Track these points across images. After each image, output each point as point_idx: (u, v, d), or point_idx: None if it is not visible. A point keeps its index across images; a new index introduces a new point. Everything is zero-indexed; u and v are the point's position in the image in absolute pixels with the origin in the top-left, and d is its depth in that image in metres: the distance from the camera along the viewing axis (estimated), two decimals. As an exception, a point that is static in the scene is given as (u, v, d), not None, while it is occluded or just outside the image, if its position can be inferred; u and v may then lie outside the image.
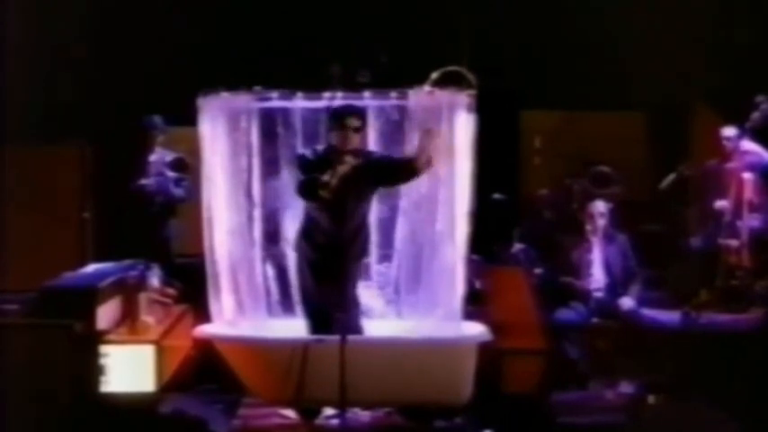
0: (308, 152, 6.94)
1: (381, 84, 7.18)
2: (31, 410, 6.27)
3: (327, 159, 6.77)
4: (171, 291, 7.95)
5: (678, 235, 9.86)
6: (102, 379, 6.53)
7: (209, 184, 7.13)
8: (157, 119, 9.35)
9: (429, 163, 6.78)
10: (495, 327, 7.04)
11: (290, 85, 7.12)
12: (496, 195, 9.85)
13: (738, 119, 9.09)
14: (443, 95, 7.01)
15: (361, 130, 6.89)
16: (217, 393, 7.44)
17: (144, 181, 9.33)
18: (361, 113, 6.93)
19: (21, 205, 9.40)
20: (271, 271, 7.24)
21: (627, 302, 8.05)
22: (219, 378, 7.18)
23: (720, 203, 9.17)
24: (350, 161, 6.70)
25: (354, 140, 6.83)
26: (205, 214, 7.13)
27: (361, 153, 6.87)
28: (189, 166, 9.02)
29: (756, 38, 10.27)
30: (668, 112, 10.74)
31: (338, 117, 6.87)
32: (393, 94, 7.05)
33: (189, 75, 9.26)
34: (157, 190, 9.35)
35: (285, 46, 10.62)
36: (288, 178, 7.22)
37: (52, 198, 9.99)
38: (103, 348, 6.58)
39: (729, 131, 9.17)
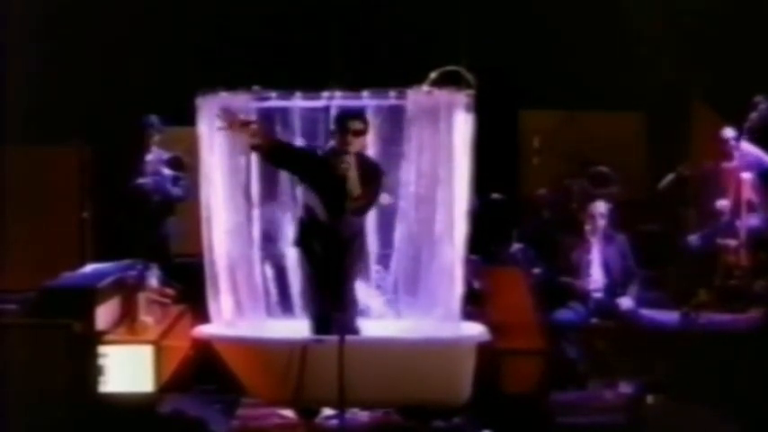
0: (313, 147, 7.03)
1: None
2: (31, 410, 6.27)
3: (328, 159, 6.81)
4: (169, 291, 7.95)
5: (677, 235, 9.85)
6: (101, 379, 6.54)
7: (208, 184, 7.13)
8: (154, 118, 9.34)
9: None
10: (493, 327, 7.05)
11: (288, 85, 7.13)
12: (495, 195, 9.85)
13: (737, 119, 9.09)
14: (442, 95, 7.02)
15: (363, 133, 6.89)
16: (215, 393, 7.43)
17: (141, 180, 9.33)
18: (363, 117, 6.94)
19: (20, 205, 9.39)
20: (269, 271, 7.24)
21: (626, 302, 8.05)
22: (218, 378, 7.18)
23: (722, 203, 9.17)
24: (349, 163, 6.73)
25: (356, 144, 6.84)
26: (204, 214, 7.14)
27: (362, 157, 6.89)
28: (186, 165, 9.01)
29: (756, 38, 10.26)
30: (667, 113, 10.73)
31: (340, 120, 6.89)
32: (392, 93, 7.07)
33: (187, 75, 9.26)
34: (155, 189, 9.34)
35: (284, 46, 10.61)
36: (286, 178, 7.25)
37: (51, 198, 9.97)
38: (102, 348, 6.59)
39: (728, 132, 9.17)
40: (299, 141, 7.20)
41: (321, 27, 10.72)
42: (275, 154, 6.89)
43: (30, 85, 9.43)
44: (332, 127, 6.96)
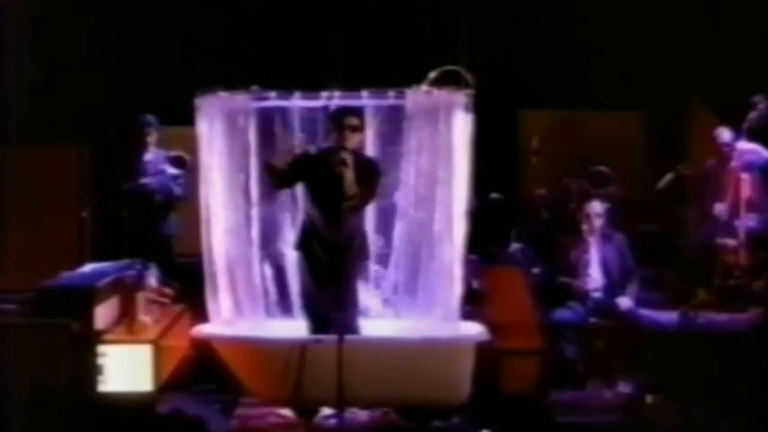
0: (303, 151, 7.02)
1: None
2: (30, 410, 6.27)
3: (324, 158, 6.80)
4: (168, 290, 7.95)
5: (676, 235, 9.86)
6: (100, 378, 6.54)
7: (207, 184, 7.14)
8: (150, 118, 9.34)
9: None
10: (492, 326, 7.05)
11: (288, 85, 7.13)
12: (494, 195, 9.85)
13: (736, 119, 9.09)
14: (441, 95, 7.02)
15: (359, 129, 6.90)
16: (214, 393, 7.44)
17: (145, 180, 9.32)
18: (359, 113, 6.95)
19: (19, 205, 9.39)
20: (268, 271, 7.24)
21: (625, 302, 8.05)
22: (217, 378, 7.18)
23: (719, 207, 9.17)
24: (347, 159, 6.73)
25: (353, 140, 6.85)
26: (203, 214, 7.14)
27: (359, 156, 6.89)
28: (188, 163, 9.01)
29: (755, 38, 10.27)
30: (666, 112, 10.73)
31: (336, 116, 6.90)
32: (391, 93, 7.07)
33: (187, 75, 9.26)
34: (159, 188, 9.33)
35: (284, 46, 10.62)
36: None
37: (50, 198, 9.98)
38: (101, 348, 6.60)
39: (724, 135, 9.16)
40: (297, 141, 7.20)
41: (320, 27, 10.72)
42: (286, 180, 6.92)
43: (29, 85, 9.42)
44: (328, 124, 6.97)
